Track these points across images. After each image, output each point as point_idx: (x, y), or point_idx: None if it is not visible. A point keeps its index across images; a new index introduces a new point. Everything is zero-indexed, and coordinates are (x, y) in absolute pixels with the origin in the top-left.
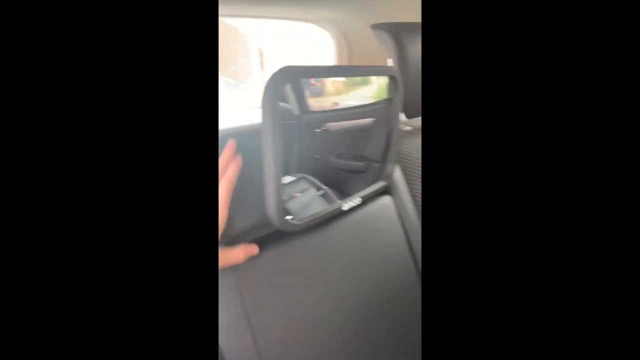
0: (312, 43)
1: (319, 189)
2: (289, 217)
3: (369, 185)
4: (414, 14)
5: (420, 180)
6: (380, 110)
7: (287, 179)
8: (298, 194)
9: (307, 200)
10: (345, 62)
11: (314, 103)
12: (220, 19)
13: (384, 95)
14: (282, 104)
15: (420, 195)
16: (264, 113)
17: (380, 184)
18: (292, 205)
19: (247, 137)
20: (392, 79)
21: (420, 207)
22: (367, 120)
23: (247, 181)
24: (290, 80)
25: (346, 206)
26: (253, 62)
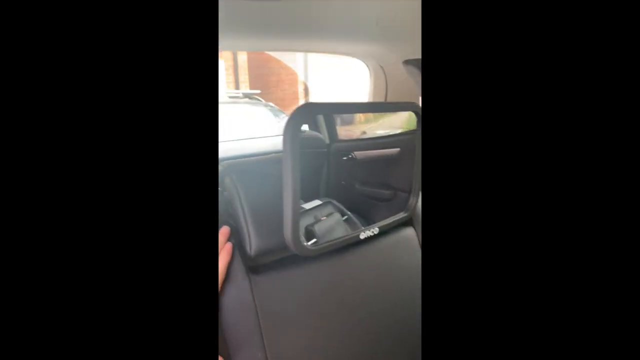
0: (353, 75)
1: (343, 214)
2: (307, 242)
3: (392, 213)
4: None
5: None
6: (406, 141)
7: (314, 203)
8: (324, 218)
9: (331, 224)
10: (381, 94)
11: (343, 132)
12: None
13: (412, 125)
14: (314, 133)
15: None
16: (284, 145)
17: (401, 215)
18: (317, 228)
19: (278, 163)
20: (417, 115)
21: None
22: (393, 150)
23: (271, 205)
24: (312, 116)
25: (363, 235)
26: (298, 89)
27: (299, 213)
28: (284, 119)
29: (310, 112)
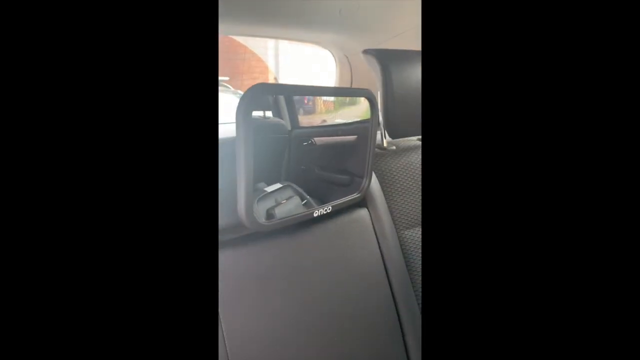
0: (323, 65)
1: (302, 198)
2: (260, 220)
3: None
4: (410, 43)
5: (399, 196)
6: (362, 129)
7: (276, 186)
8: (284, 201)
9: (290, 207)
10: (347, 82)
11: (305, 120)
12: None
13: (369, 115)
14: (277, 120)
15: (398, 211)
16: (237, 126)
17: (353, 196)
18: (277, 210)
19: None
20: (369, 101)
21: (398, 221)
22: (351, 137)
23: (228, 186)
24: (263, 96)
25: (317, 213)
26: (268, 77)
27: (252, 190)
28: None
29: (262, 92)
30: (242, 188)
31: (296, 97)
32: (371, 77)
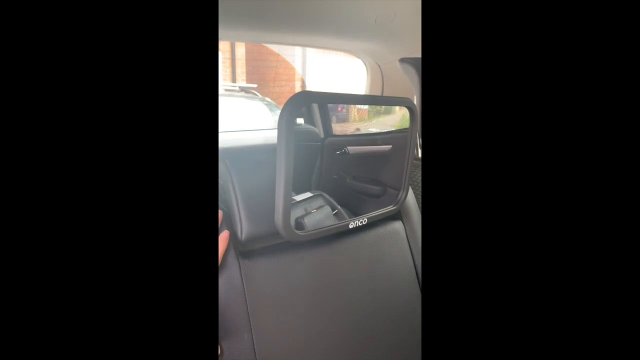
0: (350, 73)
1: (333, 208)
2: (298, 231)
3: (381, 208)
4: None
5: None
6: (398, 139)
7: (306, 195)
8: (314, 210)
9: (321, 217)
10: (378, 92)
11: (338, 128)
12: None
13: (405, 125)
14: (310, 127)
15: None
16: (279, 133)
17: (389, 208)
18: (307, 220)
19: (271, 152)
20: (409, 110)
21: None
22: (385, 147)
23: (263, 193)
24: (306, 104)
25: (352, 225)
26: (295, 85)
27: (290, 199)
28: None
29: (306, 100)
30: (281, 197)
31: (330, 105)
32: (402, 86)
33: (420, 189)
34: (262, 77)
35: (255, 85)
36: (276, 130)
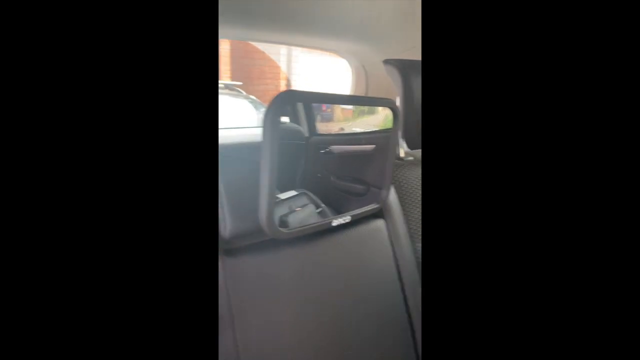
0: (334, 71)
1: (317, 206)
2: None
3: (364, 207)
4: None
5: (416, 208)
6: (381, 139)
7: (290, 193)
8: (298, 209)
9: (305, 215)
10: (362, 93)
11: (323, 127)
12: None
13: (389, 125)
14: (294, 126)
15: (414, 222)
16: (264, 131)
17: (372, 207)
18: (291, 218)
19: (256, 150)
20: (392, 111)
21: (414, 233)
22: (369, 147)
23: (247, 190)
24: (291, 103)
25: (335, 222)
26: (280, 83)
27: (275, 196)
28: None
29: (291, 99)
30: (266, 195)
31: (315, 104)
32: (387, 87)
33: (403, 188)
34: (247, 75)
35: (240, 83)
36: (261, 128)
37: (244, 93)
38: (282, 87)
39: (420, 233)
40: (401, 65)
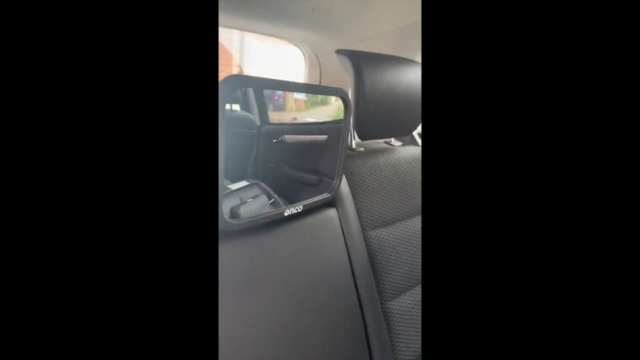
0: (288, 61)
1: (270, 197)
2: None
3: (316, 196)
4: (379, 47)
5: (366, 197)
6: (334, 129)
7: (242, 184)
8: (250, 200)
9: (257, 206)
10: (315, 81)
11: (275, 116)
12: None
13: (340, 116)
14: (245, 114)
15: (365, 211)
16: None
17: (323, 196)
18: (242, 209)
19: None
20: (343, 101)
21: (365, 222)
22: (321, 137)
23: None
24: (238, 88)
25: (287, 212)
26: (232, 71)
27: (222, 186)
28: None
29: (238, 83)
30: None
31: (266, 93)
32: (340, 78)
33: (354, 178)
34: None
35: None
36: None
37: None
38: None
39: (369, 222)
40: (353, 56)
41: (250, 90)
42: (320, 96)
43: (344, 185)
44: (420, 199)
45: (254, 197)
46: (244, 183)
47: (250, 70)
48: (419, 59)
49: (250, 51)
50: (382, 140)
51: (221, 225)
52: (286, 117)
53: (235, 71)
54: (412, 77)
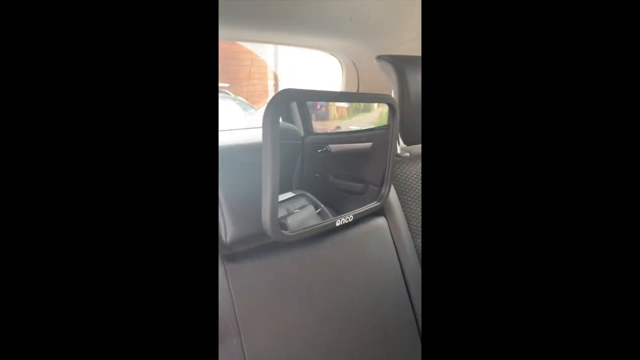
0: (324, 70)
1: (317, 207)
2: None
3: (364, 205)
4: (418, 50)
5: (415, 204)
6: (379, 136)
7: (288, 195)
8: (297, 210)
9: (304, 217)
10: (353, 89)
11: (319, 126)
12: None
13: (384, 122)
14: (289, 125)
15: (414, 218)
16: (264, 131)
17: (373, 205)
18: (290, 220)
19: (252, 152)
20: (390, 107)
21: (414, 229)
22: (366, 145)
23: (246, 193)
24: (290, 102)
25: (339, 222)
26: (268, 84)
27: (277, 198)
28: (253, 114)
29: (289, 97)
30: (268, 197)
31: (309, 102)
32: (378, 83)
33: (401, 185)
34: (234, 76)
35: (226, 85)
36: (251, 130)
37: (232, 95)
38: (270, 87)
39: (419, 229)
40: (395, 61)
41: (294, 102)
42: (362, 103)
43: (392, 192)
44: None
45: (300, 208)
46: (290, 194)
47: (285, 80)
48: None
49: (285, 59)
50: None
51: (275, 237)
52: (330, 125)
53: (271, 83)
54: None
